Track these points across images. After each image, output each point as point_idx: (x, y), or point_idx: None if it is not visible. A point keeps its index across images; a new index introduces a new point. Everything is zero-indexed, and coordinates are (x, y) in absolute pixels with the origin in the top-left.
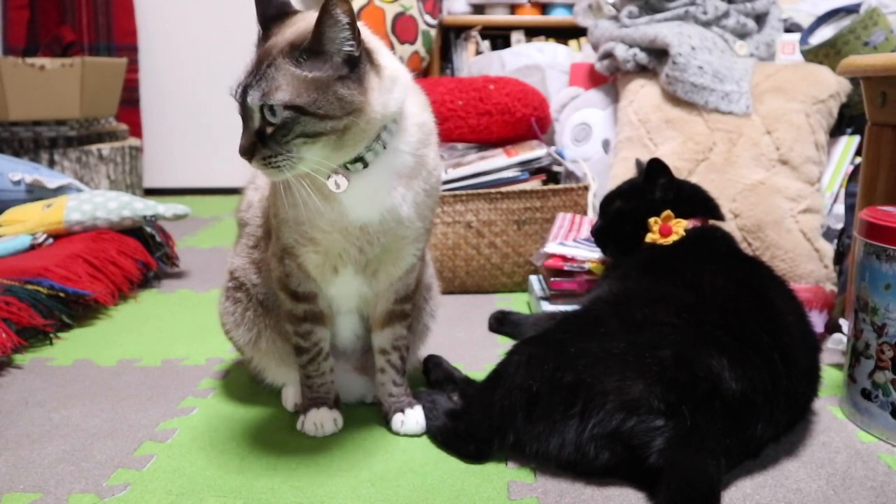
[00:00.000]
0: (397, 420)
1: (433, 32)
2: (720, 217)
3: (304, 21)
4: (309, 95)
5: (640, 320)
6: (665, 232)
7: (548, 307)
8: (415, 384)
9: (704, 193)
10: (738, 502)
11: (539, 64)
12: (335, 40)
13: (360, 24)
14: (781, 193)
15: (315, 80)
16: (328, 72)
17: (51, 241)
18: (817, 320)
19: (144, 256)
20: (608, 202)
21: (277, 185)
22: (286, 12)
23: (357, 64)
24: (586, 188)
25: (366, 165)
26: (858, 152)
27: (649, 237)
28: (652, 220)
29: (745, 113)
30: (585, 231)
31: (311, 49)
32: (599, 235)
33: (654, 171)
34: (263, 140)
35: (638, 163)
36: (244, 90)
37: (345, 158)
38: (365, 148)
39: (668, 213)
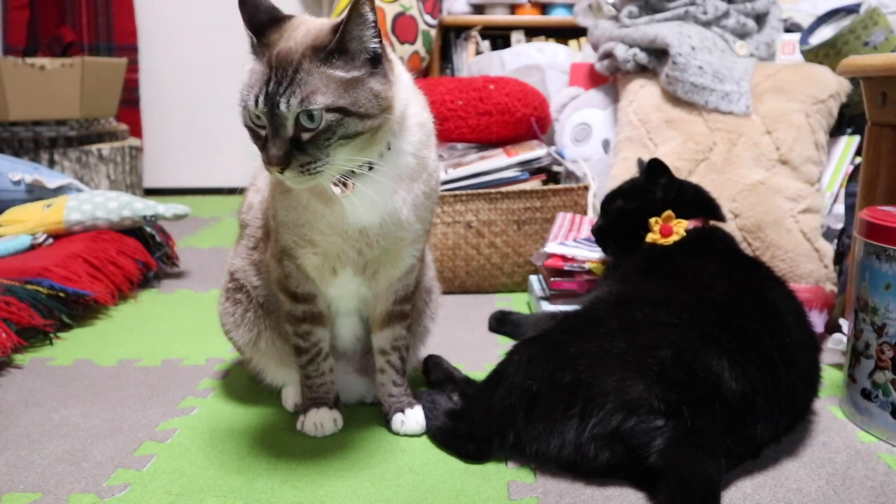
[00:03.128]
0: (397, 420)
1: (433, 32)
2: (721, 218)
3: (312, 24)
4: (350, 96)
5: (640, 320)
6: (666, 232)
7: (548, 307)
8: (415, 384)
9: (705, 194)
10: (738, 502)
11: (539, 64)
12: (363, 38)
13: None
14: (781, 193)
15: (352, 80)
16: (361, 70)
17: (51, 241)
18: (817, 320)
19: (144, 256)
20: (609, 201)
21: (276, 187)
22: (277, 17)
23: (381, 60)
24: (586, 188)
25: (371, 167)
26: (858, 152)
27: (650, 237)
28: (653, 220)
29: (745, 113)
30: (585, 231)
31: (340, 49)
32: (600, 234)
33: (654, 171)
34: (300, 147)
35: (639, 162)
36: (272, 99)
37: (366, 159)
38: None
39: (668, 213)
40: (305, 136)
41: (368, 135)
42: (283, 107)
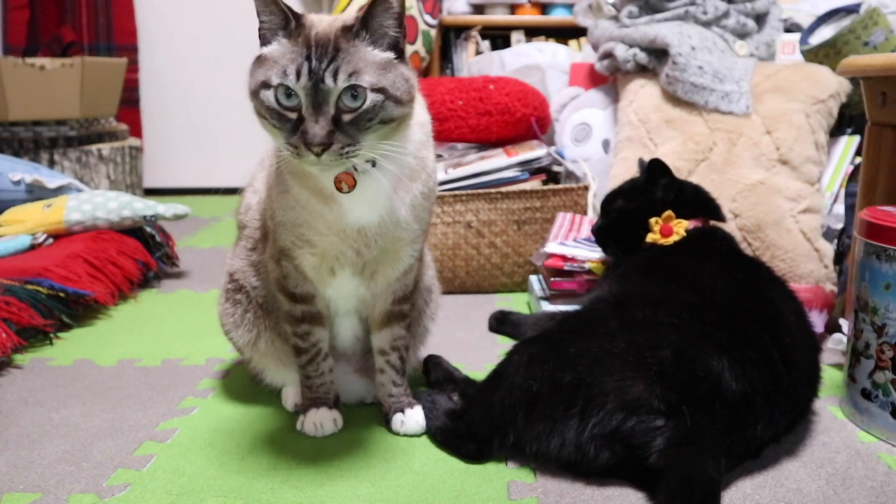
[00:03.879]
0: (397, 420)
1: (433, 32)
2: (721, 218)
3: (332, 16)
4: (387, 78)
5: (640, 320)
6: (666, 232)
7: (548, 307)
8: (415, 384)
9: (706, 194)
10: (739, 502)
11: (539, 64)
12: (385, 24)
13: None
14: (781, 193)
15: (387, 63)
16: (393, 54)
17: (51, 241)
18: (817, 320)
19: (144, 256)
20: (609, 201)
21: (275, 188)
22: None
23: (403, 51)
24: (586, 188)
25: (374, 165)
26: (858, 152)
27: (650, 237)
28: (653, 220)
29: (744, 113)
30: (586, 231)
31: (366, 29)
32: (600, 234)
33: (655, 171)
34: (340, 128)
35: (640, 162)
36: (315, 74)
37: (390, 149)
38: None
39: (669, 213)
40: (347, 116)
41: (396, 123)
42: (329, 81)
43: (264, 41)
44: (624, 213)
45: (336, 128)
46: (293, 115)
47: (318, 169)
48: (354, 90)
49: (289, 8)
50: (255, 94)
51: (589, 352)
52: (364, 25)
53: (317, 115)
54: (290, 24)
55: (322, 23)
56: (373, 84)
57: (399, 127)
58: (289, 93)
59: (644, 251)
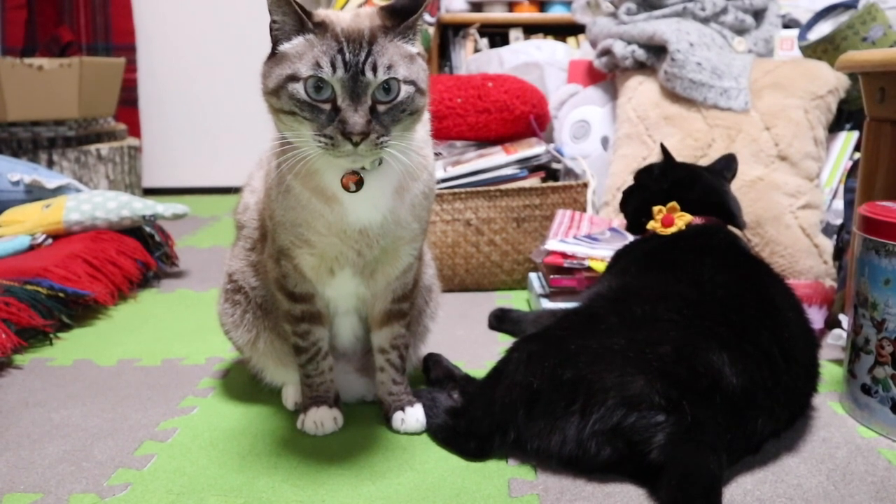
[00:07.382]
0: (398, 418)
1: (431, 30)
2: (737, 224)
3: (350, 13)
4: (415, 71)
5: (639, 316)
6: (667, 222)
7: (547, 304)
8: (415, 382)
9: (722, 196)
10: (739, 498)
11: (537, 61)
12: (420, 22)
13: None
14: (780, 189)
15: (413, 56)
16: (416, 48)
17: (50, 241)
18: (817, 316)
19: (144, 256)
20: (646, 169)
21: (274, 187)
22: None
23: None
24: (585, 185)
25: (380, 163)
26: (857, 148)
27: (650, 224)
28: (656, 208)
29: (743, 109)
30: (585, 228)
31: (409, 27)
32: (626, 193)
33: (665, 161)
34: (376, 118)
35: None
36: (353, 66)
37: (406, 142)
38: None
39: (673, 204)
40: (381, 107)
41: (418, 115)
42: (369, 74)
43: (277, 40)
44: (645, 185)
45: (373, 118)
46: (326, 107)
47: (351, 160)
48: (388, 83)
49: (302, 7)
50: (277, 90)
51: (589, 348)
52: (402, 22)
53: (356, 105)
54: (308, 23)
55: (344, 18)
56: (406, 77)
57: (418, 119)
58: (319, 85)
59: (644, 241)
